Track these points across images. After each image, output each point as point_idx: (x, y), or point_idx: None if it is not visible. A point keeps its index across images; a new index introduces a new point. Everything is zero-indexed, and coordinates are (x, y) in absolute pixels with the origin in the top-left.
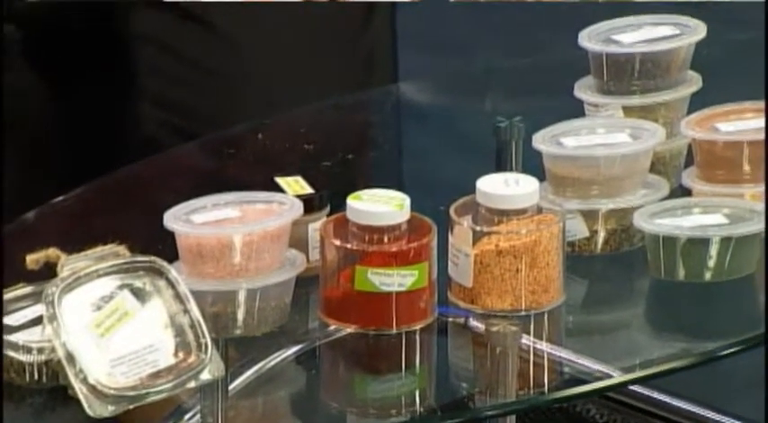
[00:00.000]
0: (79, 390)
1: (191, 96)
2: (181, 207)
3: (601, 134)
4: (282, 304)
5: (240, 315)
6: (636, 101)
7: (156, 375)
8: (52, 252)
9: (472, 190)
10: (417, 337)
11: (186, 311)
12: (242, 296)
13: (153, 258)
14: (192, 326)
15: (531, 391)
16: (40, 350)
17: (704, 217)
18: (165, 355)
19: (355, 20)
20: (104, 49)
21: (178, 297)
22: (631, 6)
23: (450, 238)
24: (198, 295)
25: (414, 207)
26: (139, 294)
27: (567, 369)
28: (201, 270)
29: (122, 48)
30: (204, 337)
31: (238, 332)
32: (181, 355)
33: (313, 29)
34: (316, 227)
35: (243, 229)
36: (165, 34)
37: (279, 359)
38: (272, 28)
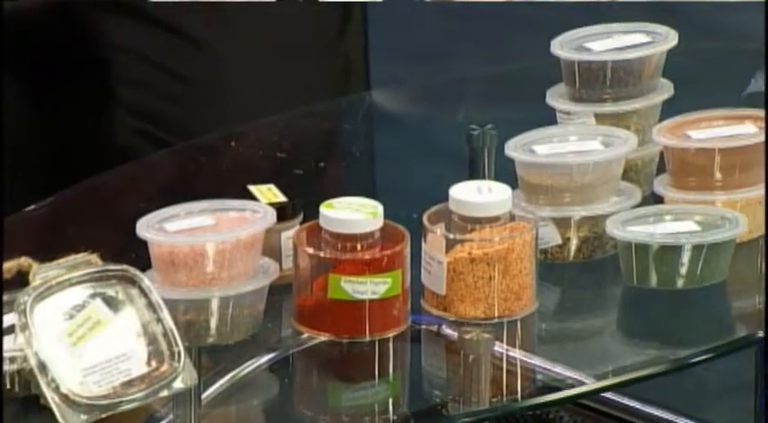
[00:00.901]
0: (51, 399)
1: (164, 104)
2: (153, 215)
3: (573, 142)
4: (255, 312)
5: (213, 323)
6: (608, 108)
7: (129, 384)
8: (24, 261)
9: (445, 198)
10: (390, 345)
11: (159, 320)
12: (215, 304)
13: (125, 267)
14: (165, 334)
15: (505, 399)
16: (12, 359)
17: (676, 224)
18: (138, 364)
19: (328, 29)
20: (78, 57)
21: (151, 306)
22: (603, 14)
23: (424, 246)
24: (171, 304)
25: (387, 215)
26: (112, 303)
27: (539, 376)
28: (174, 278)
29: (96, 56)
30: (177, 345)
31: (211, 340)
32: (154, 363)
33: (286, 37)
34: (289, 235)
35: (216, 238)
36: (139, 43)
37: (252, 367)
38: (246, 36)
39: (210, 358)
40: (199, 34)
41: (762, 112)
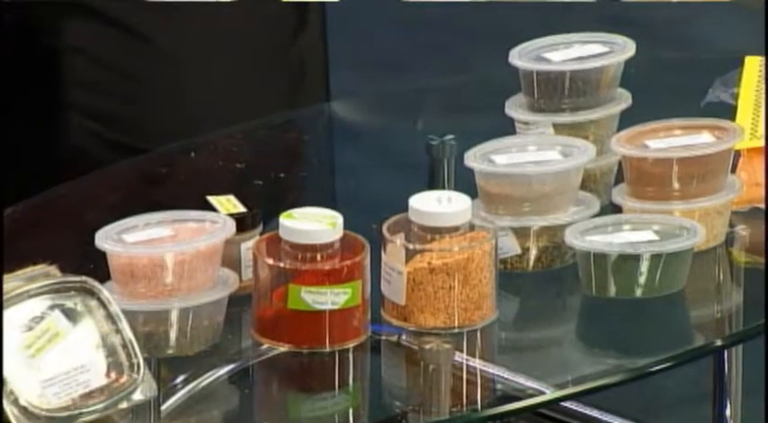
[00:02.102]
0: (10, 411)
1: (117, 105)
2: (112, 226)
3: (532, 152)
4: (215, 323)
5: (172, 334)
6: (566, 118)
7: (88, 396)
8: None
9: (405, 208)
10: (351, 356)
11: (118, 331)
12: (174, 316)
13: (84, 278)
14: (124, 346)
15: (465, 408)
16: None
17: (634, 234)
18: (97, 376)
19: (286, 39)
20: (30, 58)
21: (110, 317)
22: (561, 24)
23: (383, 256)
24: (130, 315)
25: (346, 225)
26: (71, 315)
27: (499, 386)
28: (133, 290)
29: (48, 57)
30: (136, 356)
31: (171, 352)
32: (113, 375)
33: (241, 39)
34: (248, 246)
35: (175, 249)
36: (92, 44)
37: (212, 378)
38: (201, 37)
39: (170, 369)
40: (153, 35)
41: (719, 122)
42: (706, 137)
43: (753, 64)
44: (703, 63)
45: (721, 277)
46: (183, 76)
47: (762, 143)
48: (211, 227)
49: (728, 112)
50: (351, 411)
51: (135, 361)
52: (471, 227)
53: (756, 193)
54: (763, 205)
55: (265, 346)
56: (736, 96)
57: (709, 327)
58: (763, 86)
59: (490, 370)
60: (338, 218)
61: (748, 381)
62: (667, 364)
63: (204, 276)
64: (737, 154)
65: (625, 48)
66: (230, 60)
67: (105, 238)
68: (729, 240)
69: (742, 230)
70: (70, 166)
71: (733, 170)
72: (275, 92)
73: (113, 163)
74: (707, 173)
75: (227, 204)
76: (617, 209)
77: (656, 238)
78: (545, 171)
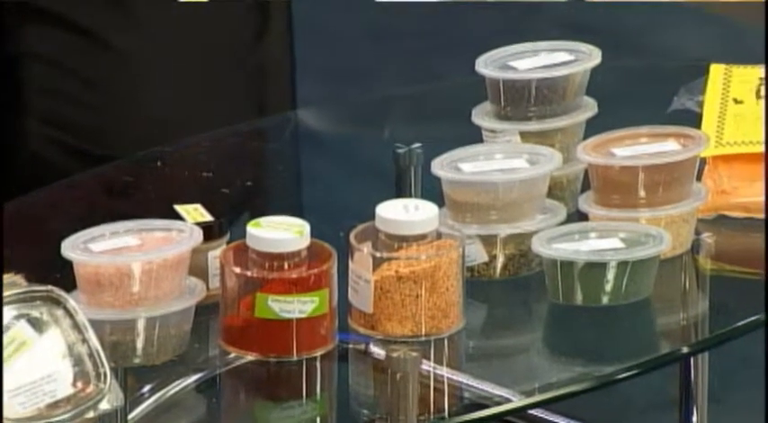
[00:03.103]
0: None
1: (76, 111)
2: (79, 235)
3: (498, 160)
4: (182, 332)
5: (139, 344)
6: (533, 126)
7: (55, 405)
8: None
9: (372, 216)
10: (318, 364)
11: (85, 341)
12: (141, 325)
13: (50, 288)
14: (91, 355)
15: (432, 417)
16: None
17: (601, 241)
18: (64, 385)
19: (252, 47)
20: None
21: (76, 326)
22: (527, 33)
23: (351, 265)
24: (96, 324)
25: (314, 234)
26: (37, 324)
27: (467, 394)
28: (100, 299)
29: (5, 62)
30: (103, 366)
31: (138, 361)
32: (79, 384)
33: (210, 55)
34: (215, 254)
35: (142, 258)
36: (51, 49)
37: (179, 388)
38: (161, 42)
39: (137, 379)
40: (115, 41)
41: (685, 130)
42: (672, 145)
43: (717, 72)
44: (668, 71)
45: (687, 285)
46: (146, 84)
47: (727, 151)
48: (178, 236)
49: (693, 119)
50: (318, 420)
51: (101, 370)
52: (438, 235)
53: (722, 200)
54: (728, 213)
55: (233, 355)
56: (700, 104)
57: (676, 334)
58: (764, 89)
59: (457, 378)
60: (305, 226)
61: (714, 388)
62: (634, 372)
63: (171, 285)
64: (703, 162)
65: (591, 56)
66: (195, 68)
67: (72, 248)
68: (695, 248)
69: (708, 238)
70: (29, 174)
71: (698, 178)
72: (241, 100)
73: (73, 170)
74: (673, 180)
75: (194, 213)
76: (583, 217)
77: (622, 245)
78: (512, 179)
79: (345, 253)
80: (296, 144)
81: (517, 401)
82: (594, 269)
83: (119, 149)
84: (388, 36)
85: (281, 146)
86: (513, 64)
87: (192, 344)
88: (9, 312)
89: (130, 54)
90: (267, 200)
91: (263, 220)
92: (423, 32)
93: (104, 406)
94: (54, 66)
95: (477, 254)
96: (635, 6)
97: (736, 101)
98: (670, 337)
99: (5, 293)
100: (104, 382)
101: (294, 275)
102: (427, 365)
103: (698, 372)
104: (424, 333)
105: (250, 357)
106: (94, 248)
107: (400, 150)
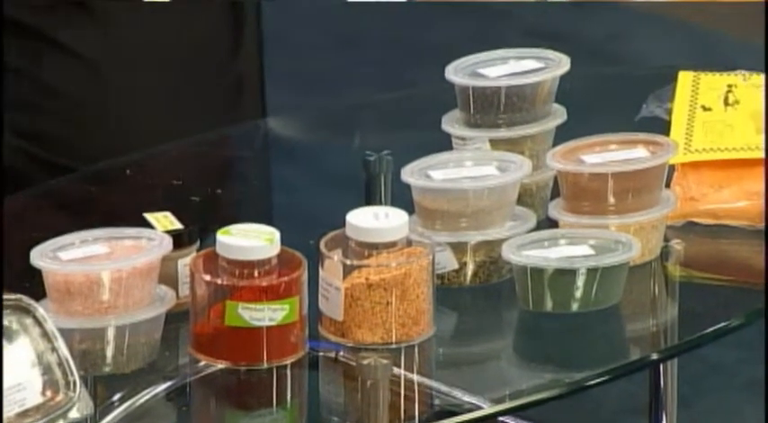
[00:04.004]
0: None
1: (44, 122)
2: (48, 244)
3: (468, 167)
4: (152, 340)
5: (109, 352)
6: (502, 134)
7: (24, 414)
8: None
9: (342, 224)
10: (288, 372)
11: (54, 349)
12: (111, 333)
13: (19, 296)
14: (60, 364)
15: None
16: None
17: (571, 248)
18: (33, 394)
19: (222, 55)
20: None
21: (45, 335)
22: (496, 40)
23: (321, 272)
24: (66, 333)
25: (284, 241)
26: (6, 333)
27: (437, 401)
28: (69, 307)
29: None
30: (72, 375)
31: (107, 369)
32: (49, 393)
33: (179, 63)
34: (185, 262)
35: (111, 266)
36: (18, 59)
37: (149, 396)
38: (141, 62)
39: (107, 387)
40: (84, 51)
41: (654, 137)
42: (641, 152)
43: (686, 79)
44: (637, 78)
45: (656, 291)
46: (115, 93)
47: (695, 158)
48: (148, 244)
49: (662, 126)
50: None
51: (71, 379)
52: (408, 242)
53: (690, 207)
54: (697, 220)
55: (203, 363)
56: (669, 111)
57: (645, 340)
58: (763, 94)
59: (428, 385)
60: (275, 234)
61: (683, 393)
62: (604, 378)
63: (141, 293)
64: (672, 169)
65: (560, 63)
66: (164, 77)
67: (41, 256)
68: (664, 255)
69: (677, 245)
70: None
71: (667, 185)
72: (211, 108)
73: (41, 180)
74: (642, 187)
75: (164, 221)
76: (553, 223)
77: (591, 252)
78: (482, 186)
79: (316, 260)
80: (266, 152)
81: (488, 408)
82: (564, 276)
83: (87, 159)
84: (358, 44)
85: (250, 154)
86: (482, 71)
87: (162, 352)
88: None
89: (98, 63)
90: (237, 208)
91: (233, 227)
92: (392, 40)
93: (74, 415)
94: (21, 75)
95: (448, 261)
96: (603, 14)
97: (704, 108)
98: (640, 344)
99: None
100: (74, 391)
101: (264, 283)
102: (398, 372)
103: (667, 378)
104: (394, 340)
105: (220, 365)
106: (64, 257)
107: (370, 158)
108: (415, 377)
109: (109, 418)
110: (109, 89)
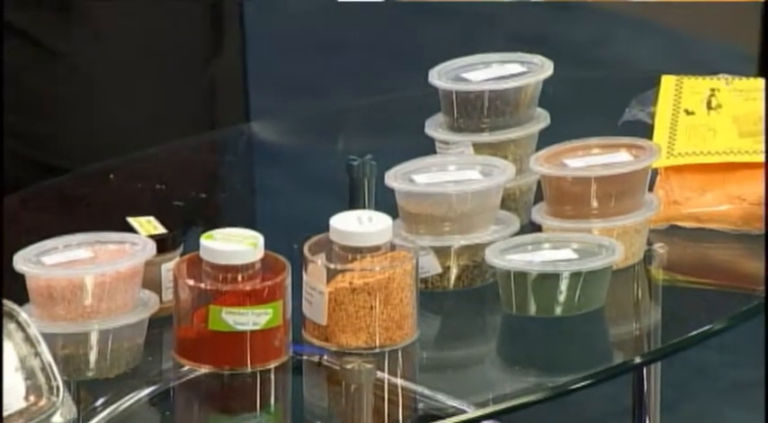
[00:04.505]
0: None
1: (26, 119)
2: (31, 249)
3: (452, 171)
4: (135, 345)
5: (92, 357)
6: (485, 138)
7: (7, 419)
8: None
9: (326, 228)
10: (272, 376)
11: (37, 354)
12: (94, 338)
13: (3, 301)
14: (44, 368)
15: None
16: None
17: (554, 252)
18: (16, 399)
19: (205, 60)
20: None
21: (29, 340)
22: (479, 44)
23: (305, 277)
24: (49, 337)
25: (267, 246)
26: None
27: (421, 405)
28: (52, 312)
29: None
30: (56, 379)
31: (91, 374)
32: (32, 398)
33: (163, 67)
34: (169, 267)
35: (94, 270)
36: (9, 63)
37: (132, 401)
38: (126, 65)
39: (90, 392)
40: (69, 52)
41: (637, 141)
42: (624, 155)
43: (668, 83)
44: (620, 82)
45: (640, 295)
46: (99, 96)
47: (678, 161)
48: (131, 248)
49: (645, 130)
50: None
51: (54, 384)
52: (392, 246)
53: (673, 211)
54: (680, 223)
55: (186, 368)
56: (652, 115)
57: (629, 344)
58: (763, 96)
59: (412, 389)
60: (259, 238)
61: (667, 397)
62: (587, 382)
63: (124, 298)
64: (654, 172)
65: (543, 67)
66: (149, 80)
67: (24, 261)
68: (647, 258)
69: (660, 248)
70: None
71: (650, 188)
72: (195, 112)
73: (24, 182)
74: (625, 191)
75: (148, 226)
76: (536, 228)
77: (575, 256)
78: (465, 190)
79: (299, 265)
80: (249, 156)
81: (471, 412)
82: (548, 280)
83: (70, 162)
84: (342, 48)
85: (234, 158)
86: (465, 76)
87: (146, 357)
88: None
89: (86, 66)
90: (221, 212)
91: (217, 232)
92: (375, 44)
93: (57, 420)
94: (7, 76)
95: (431, 265)
96: (586, 18)
97: (687, 112)
98: (623, 348)
99: None
100: (57, 396)
101: (248, 287)
102: (381, 377)
103: (651, 381)
104: (378, 344)
105: (204, 370)
106: (47, 261)
107: (354, 162)
108: (399, 381)
109: (92, 422)
110: (92, 92)
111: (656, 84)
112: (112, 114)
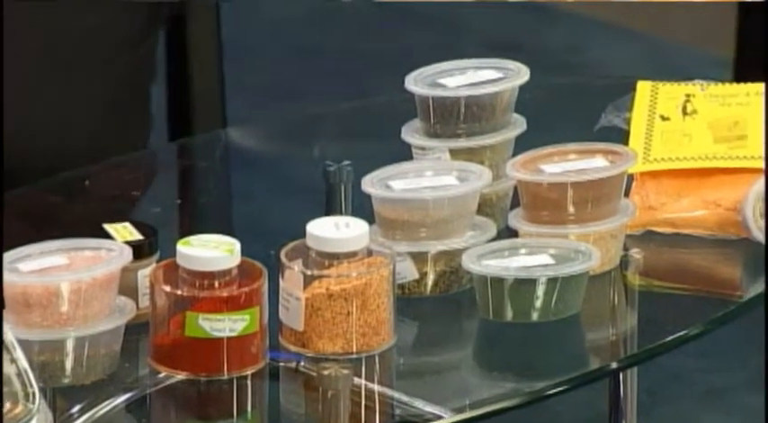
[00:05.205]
0: None
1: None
2: (7, 255)
3: (428, 177)
4: (112, 352)
5: (68, 364)
6: (462, 144)
7: None
8: None
9: (302, 234)
10: (249, 383)
11: (13, 361)
12: (70, 344)
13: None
14: (19, 375)
15: None
16: None
17: (531, 258)
18: None
19: (181, 67)
20: None
21: (4, 346)
22: (455, 50)
23: (281, 283)
24: (25, 344)
25: (244, 252)
26: None
27: (398, 411)
28: (28, 319)
29: None
30: (32, 386)
31: (67, 381)
32: (8, 405)
33: (140, 74)
34: (145, 273)
35: (70, 277)
36: None
37: (109, 408)
38: (103, 73)
39: (66, 399)
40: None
41: (613, 147)
42: (600, 161)
43: (644, 89)
44: (596, 88)
45: (616, 300)
46: (75, 100)
47: (654, 167)
48: (107, 255)
49: (621, 136)
50: None
51: (30, 390)
52: (369, 252)
53: (649, 216)
54: (656, 229)
55: (163, 375)
56: (628, 121)
57: (605, 350)
58: (763, 98)
59: (389, 395)
60: (236, 244)
61: (643, 402)
62: (564, 387)
63: (101, 305)
64: (630, 178)
65: (519, 73)
66: (125, 86)
67: None
68: (624, 264)
69: (636, 254)
70: None
71: (626, 194)
72: (171, 118)
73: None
74: (601, 197)
75: (124, 232)
76: (513, 233)
77: (551, 261)
78: (442, 196)
79: (276, 271)
80: (226, 162)
81: (448, 418)
82: (524, 285)
83: (44, 168)
84: (318, 54)
85: (211, 164)
86: (442, 81)
87: (122, 363)
88: None
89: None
90: (197, 218)
91: (194, 238)
92: (352, 51)
93: None
94: None
95: (408, 271)
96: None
97: (662, 118)
98: (599, 353)
99: None
100: (33, 403)
101: (225, 294)
102: (358, 383)
103: (627, 387)
104: (355, 350)
105: (180, 376)
106: (23, 268)
107: (330, 168)
108: (376, 387)
109: None
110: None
111: (631, 89)
112: (89, 120)
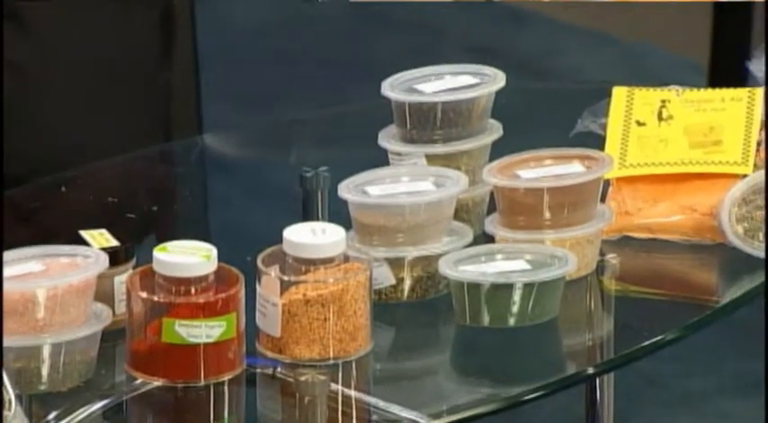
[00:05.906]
0: None
1: None
2: None
3: (405, 182)
4: (88, 358)
5: (45, 370)
6: (438, 149)
7: None
8: None
9: (279, 240)
10: (226, 389)
11: None
12: (46, 351)
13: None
14: None
15: None
16: None
17: (507, 263)
18: None
19: (157, 72)
20: None
21: None
22: (432, 56)
23: (258, 289)
24: None
25: (221, 258)
26: None
27: (375, 416)
28: (4, 325)
29: None
30: (8, 393)
31: (43, 388)
32: None
33: (115, 78)
34: (122, 279)
35: (46, 283)
36: None
37: (85, 414)
38: (76, 79)
39: (42, 406)
40: (18, 62)
41: (589, 152)
42: (576, 167)
43: (620, 94)
44: (572, 93)
45: (593, 305)
46: (51, 107)
47: (630, 172)
48: (84, 261)
49: (597, 141)
50: None
51: (6, 397)
52: (346, 258)
53: (625, 221)
54: (632, 234)
55: (139, 381)
56: (604, 126)
57: (582, 355)
58: (763, 103)
59: (365, 400)
60: (212, 250)
61: (619, 407)
62: (541, 393)
63: (77, 311)
64: (607, 183)
65: (495, 79)
66: (100, 92)
67: None
68: (600, 269)
69: (612, 259)
70: None
71: (603, 199)
72: (147, 124)
73: None
74: (578, 202)
75: (100, 238)
76: (490, 238)
77: (528, 267)
78: (418, 202)
79: (253, 277)
80: (203, 168)
81: None
82: (501, 291)
83: (18, 174)
84: (294, 60)
85: (187, 170)
86: (418, 87)
87: (99, 370)
88: None
89: (31, 76)
90: (174, 224)
91: (170, 244)
92: (328, 56)
93: None
94: None
95: (385, 276)
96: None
97: (638, 123)
98: (576, 358)
99: None
100: (9, 409)
101: (201, 300)
102: (335, 388)
103: (603, 392)
104: (332, 356)
105: (157, 383)
106: None
107: (307, 174)
108: (353, 393)
109: None
110: (42, 103)
111: (607, 95)
112: (64, 126)
